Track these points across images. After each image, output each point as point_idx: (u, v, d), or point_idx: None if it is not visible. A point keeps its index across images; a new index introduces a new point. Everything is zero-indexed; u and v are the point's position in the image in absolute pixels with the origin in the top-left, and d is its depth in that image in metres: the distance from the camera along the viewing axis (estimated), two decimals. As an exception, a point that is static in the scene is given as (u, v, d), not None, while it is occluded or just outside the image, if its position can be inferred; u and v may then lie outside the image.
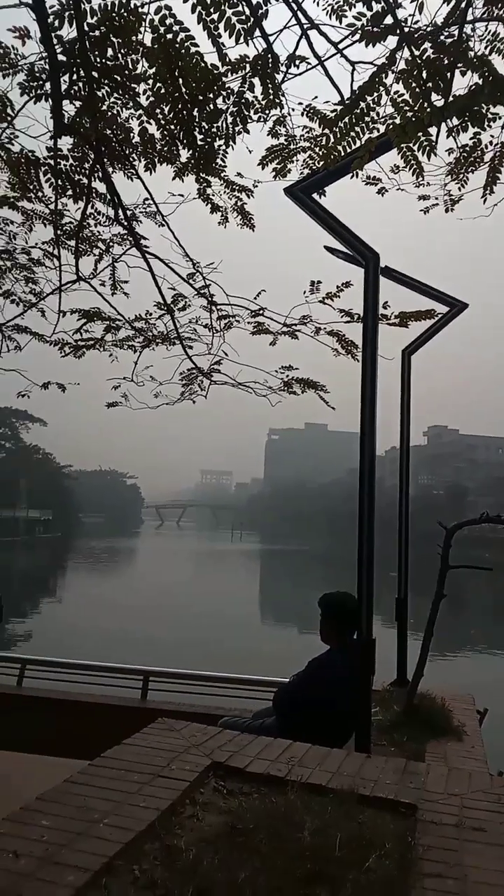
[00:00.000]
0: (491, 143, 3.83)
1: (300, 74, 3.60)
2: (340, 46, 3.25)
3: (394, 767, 2.99)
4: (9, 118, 4.55)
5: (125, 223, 5.17)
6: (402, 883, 2.01)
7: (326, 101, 3.96)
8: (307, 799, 2.54)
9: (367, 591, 4.07)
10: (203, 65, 3.35)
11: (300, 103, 4.12)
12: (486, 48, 3.27)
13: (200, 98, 3.50)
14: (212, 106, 3.57)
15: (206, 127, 3.68)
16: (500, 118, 3.50)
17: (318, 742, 3.33)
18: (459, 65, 3.03)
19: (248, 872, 2.03)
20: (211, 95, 3.51)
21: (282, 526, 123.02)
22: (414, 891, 1.97)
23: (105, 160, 4.49)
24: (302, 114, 4.11)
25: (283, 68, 3.54)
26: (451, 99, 3.08)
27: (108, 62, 3.63)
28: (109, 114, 4.07)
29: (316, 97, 4.05)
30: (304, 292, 5.36)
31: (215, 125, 3.68)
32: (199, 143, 3.76)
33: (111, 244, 5.75)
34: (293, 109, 4.17)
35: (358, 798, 2.57)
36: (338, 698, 4.04)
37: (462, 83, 3.12)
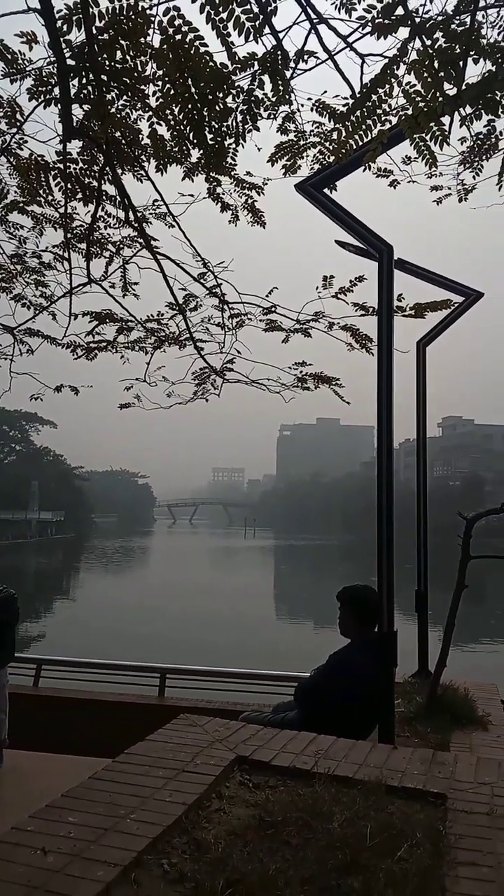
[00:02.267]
0: (506, 130, 3.81)
1: (310, 70, 3.60)
2: (350, 40, 3.24)
3: (421, 758, 2.99)
4: (18, 123, 4.59)
5: (135, 225, 5.18)
6: (436, 871, 2.02)
7: (336, 96, 3.96)
8: (335, 791, 2.55)
9: (388, 583, 4.09)
10: (212, 64, 3.35)
11: (309, 99, 4.13)
12: (499, 34, 3.25)
13: (210, 97, 3.50)
14: (221, 105, 3.57)
15: (216, 126, 3.68)
16: None
17: (341, 735, 3.34)
18: (472, 53, 3.02)
19: (279, 864, 2.05)
20: (220, 94, 3.51)
21: (295, 521, 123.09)
22: (448, 879, 1.97)
23: (115, 162, 4.51)
24: (311, 109, 4.11)
25: (293, 64, 3.54)
26: (463, 87, 3.07)
27: (117, 65, 3.63)
28: (118, 116, 4.09)
29: (325, 92, 4.06)
30: (317, 288, 5.37)
31: (225, 124, 3.69)
32: (210, 142, 3.76)
33: (122, 246, 5.78)
34: (302, 105, 4.17)
35: (386, 789, 2.58)
36: (360, 691, 4.05)
37: (475, 71, 3.10)
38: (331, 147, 4.16)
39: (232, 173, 4.59)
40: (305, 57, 3.65)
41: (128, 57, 3.56)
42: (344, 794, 2.51)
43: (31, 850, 2.06)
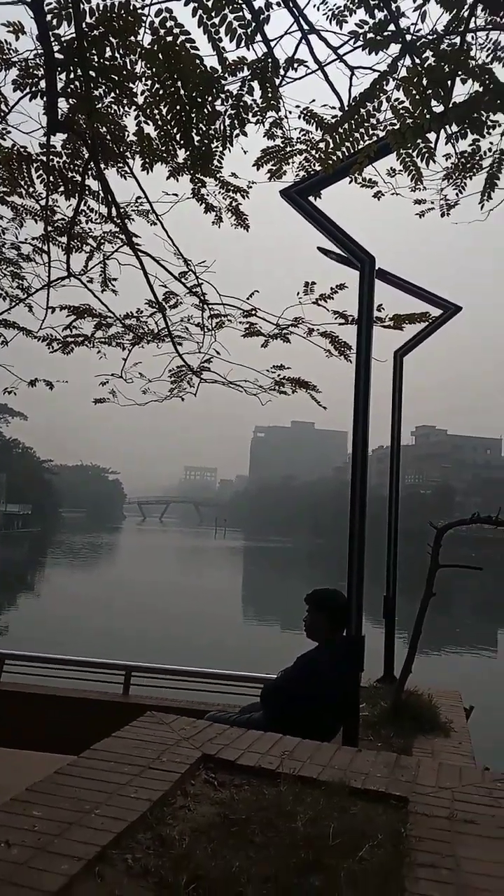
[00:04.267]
0: (490, 149, 3.88)
1: (299, 79, 3.64)
2: (340, 52, 3.29)
3: (384, 761, 3.04)
4: (1, 114, 4.55)
5: (117, 221, 5.18)
6: (396, 872, 2.06)
7: (324, 105, 4.01)
8: (299, 791, 2.59)
9: (357, 588, 4.14)
10: (202, 67, 3.37)
11: (297, 106, 4.17)
12: (487, 57, 3.32)
13: (199, 100, 3.52)
14: (210, 108, 3.59)
15: (204, 128, 3.70)
16: (499, 125, 3.56)
17: (306, 736, 3.38)
18: (460, 73, 3.08)
19: (242, 861, 2.08)
20: (209, 97, 3.53)
21: (266, 523, 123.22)
22: (407, 880, 2.02)
23: (99, 158, 4.50)
24: (299, 117, 4.15)
25: (282, 72, 3.57)
26: (450, 106, 3.14)
27: (106, 62, 3.63)
28: (105, 112, 4.08)
29: (314, 101, 4.10)
30: (298, 293, 5.41)
31: (213, 127, 3.71)
32: (196, 144, 3.77)
33: (102, 241, 5.76)
34: (290, 112, 4.21)
35: (349, 790, 2.62)
36: (326, 694, 4.10)
37: (462, 90, 3.17)
38: (317, 156, 4.20)
39: (217, 176, 4.61)
40: (295, 65, 3.68)
41: (117, 54, 3.56)
42: (308, 795, 2.55)
43: None
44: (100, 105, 3.91)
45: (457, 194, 4.37)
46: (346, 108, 3.23)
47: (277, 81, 3.62)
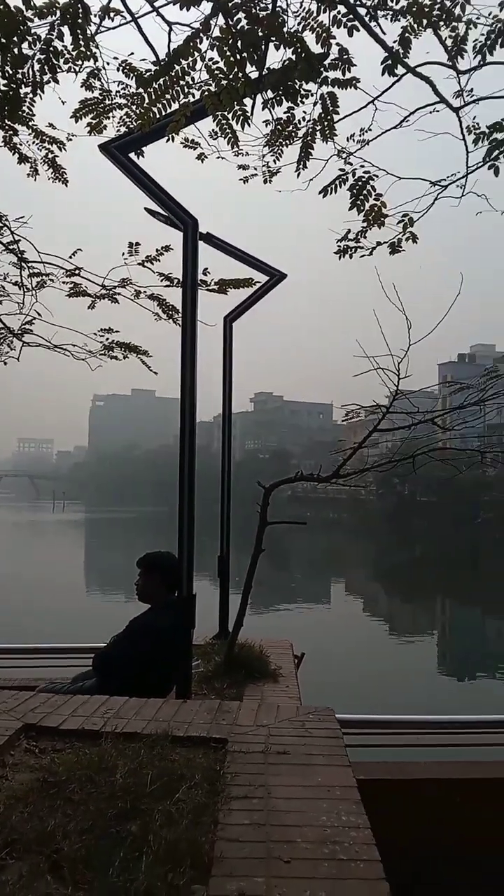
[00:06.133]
0: (304, 119, 4.00)
1: (114, 28, 3.51)
2: (157, 5, 3.21)
3: (207, 708, 3.17)
4: None
5: None
6: (210, 807, 2.18)
7: (143, 59, 3.91)
8: (122, 746, 2.63)
9: (188, 549, 4.22)
10: (5, 5, 3.14)
11: (115, 58, 4.03)
12: (299, 25, 3.41)
13: (3, 41, 3.28)
14: (17, 51, 3.36)
15: (10, 72, 3.46)
16: (311, 95, 3.68)
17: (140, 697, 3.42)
18: (273, 39, 3.13)
19: (59, 819, 2.09)
20: (16, 39, 3.30)
21: (108, 494, 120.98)
22: (221, 812, 2.14)
23: None
24: (118, 69, 4.02)
25: (97, 20, 3.43)
26: (265, 72, 3.19)
27: None
28: None
29: (132, 53, 3.99)
30: (123, 254, 5.29)
31: (20, 71, 3.48)
32: (3, 88, 3.53)
33: None
34: (108, 63, 4.06)
35: (172, 739, 2.71)
36: (161, 654, 4.17)
37: (276, 57, 3.24)
38: (137, 111, 4.10)
39: (30, 124, 4.35)
40: (112, 15, 3.55)
41: None
42: (130, 748, 2.60)
43: None
44: None
45: (275, 161, 4.46)
46: (161, 64, 3.18)
47: (92, 30, 3.47)
